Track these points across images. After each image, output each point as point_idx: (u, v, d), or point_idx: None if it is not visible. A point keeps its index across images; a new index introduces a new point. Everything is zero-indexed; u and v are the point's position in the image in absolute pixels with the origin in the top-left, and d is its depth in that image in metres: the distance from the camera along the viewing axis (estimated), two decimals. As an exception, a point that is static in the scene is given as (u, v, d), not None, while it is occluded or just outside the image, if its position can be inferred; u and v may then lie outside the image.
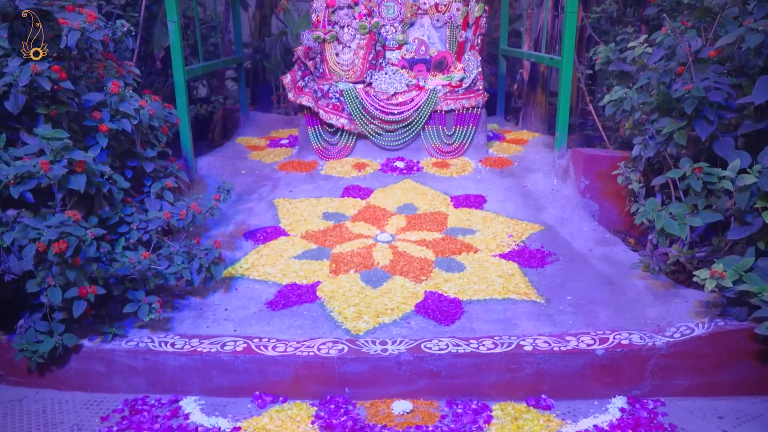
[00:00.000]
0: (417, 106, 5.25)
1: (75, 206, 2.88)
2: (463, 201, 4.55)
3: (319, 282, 3.45)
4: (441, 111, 5.33)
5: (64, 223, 2.52)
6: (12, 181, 2.64)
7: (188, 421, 2.62)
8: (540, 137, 5.99)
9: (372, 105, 5.21)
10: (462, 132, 5.38)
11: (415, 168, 5.19)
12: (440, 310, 3.13)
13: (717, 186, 2.80)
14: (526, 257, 3.71)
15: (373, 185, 4.86)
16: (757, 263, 2.73)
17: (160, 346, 2.86)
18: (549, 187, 4.77)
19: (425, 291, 3.32)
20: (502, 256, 3.74)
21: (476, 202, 4.54)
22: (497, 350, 2.77)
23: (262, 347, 2.83)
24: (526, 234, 4.04)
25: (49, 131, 2.78)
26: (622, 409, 2.68)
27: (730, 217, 3.01)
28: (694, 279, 2.75)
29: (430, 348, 2.79)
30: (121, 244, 3.10)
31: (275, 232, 4.10)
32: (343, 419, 2.59)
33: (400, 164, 5.22)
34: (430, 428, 2.54)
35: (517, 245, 3.88)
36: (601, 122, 5.21)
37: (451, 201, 4.57)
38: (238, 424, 2.59)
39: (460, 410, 2.67)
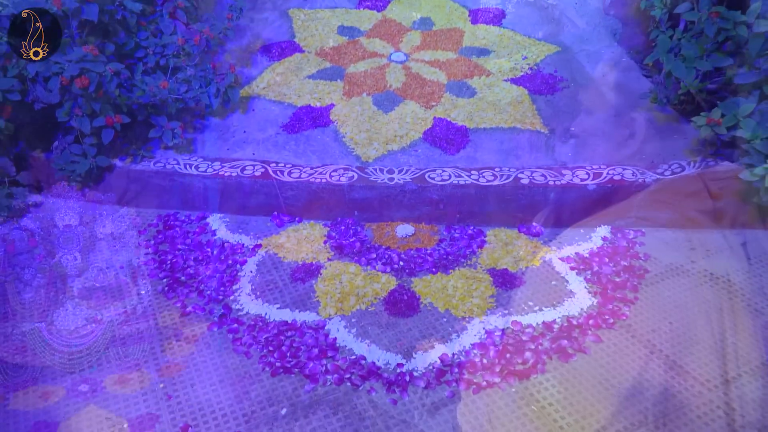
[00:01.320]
0: None
1: (91, 34, 2.93)
2: (482, 16, 4.41)
3: (332, 105, 3.56)
4: None
5: (84, 59, 2.61)
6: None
7: (215, 237, 2.98)
8: (574, -64, 5.51)
9: None
10: (488, -69, 4.97)
11: (435, -26, 4.91)
12: (447, 138, 3.28)
13: (732, 33, 2.72)
14: (537, 83, 3.73)
15: (390, -6, 4.68)
16: (758, 107, 2.77)
17: (185, 168, 3.11)
18: (574, 1, 4.56)
19: (434, 117, 3.45)
20: (514, 81, 3.76)
21: (495, 17, 4.40)
22: (495, 182, 2.98)
23: (278, 172, 3.08)
24: (541, 56, 4.00)
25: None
26: (604, 238, 2.96)
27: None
28: (692, 123, 2.82)
29: (433, 179, 3.01)
30: (139, 70, 3.19)
31: (291, 48, 4.10)
32: (351, 240, 2.92)
33: (419, -31, 4.93)
34: (429, 251, 2.86)
35: (531, 69, 3.87)
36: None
37: (469, 16, 4.43)
38: (259, 242, 2.94)
39: (457, 235, 2.97)
